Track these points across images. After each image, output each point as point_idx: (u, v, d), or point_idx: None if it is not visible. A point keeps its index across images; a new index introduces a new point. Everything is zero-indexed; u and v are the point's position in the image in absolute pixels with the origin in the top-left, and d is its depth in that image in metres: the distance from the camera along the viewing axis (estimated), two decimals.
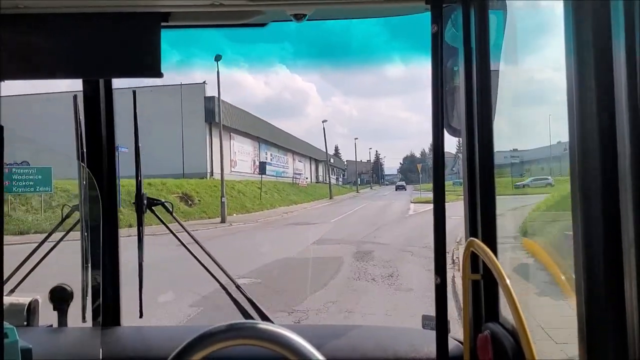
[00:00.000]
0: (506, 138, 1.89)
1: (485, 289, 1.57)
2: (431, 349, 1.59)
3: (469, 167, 1.63)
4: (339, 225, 22.29)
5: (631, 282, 0.87)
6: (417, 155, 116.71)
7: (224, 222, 23.75)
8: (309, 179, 59.24)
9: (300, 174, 55.30)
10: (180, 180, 28.51)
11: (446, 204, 1.49)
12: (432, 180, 1.54)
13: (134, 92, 2.15)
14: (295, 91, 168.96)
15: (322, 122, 68.33)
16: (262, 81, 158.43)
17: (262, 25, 1.85)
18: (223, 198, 24.95)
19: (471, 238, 1.48)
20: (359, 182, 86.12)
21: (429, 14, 1.48)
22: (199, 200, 27.13)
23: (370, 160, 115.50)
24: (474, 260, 1.54)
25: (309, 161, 64.71)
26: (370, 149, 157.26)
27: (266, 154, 45.74)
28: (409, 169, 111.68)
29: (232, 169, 35.39)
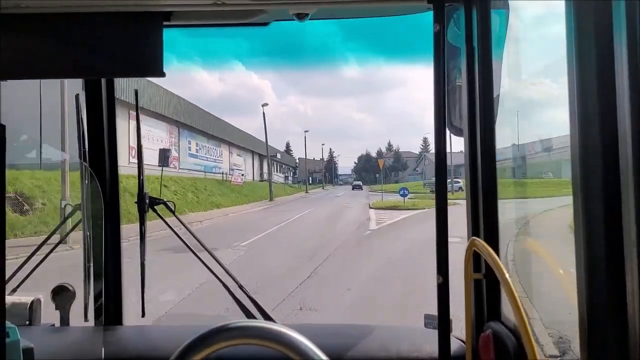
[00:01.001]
0: (508, 137, 1.91)
1: (487, 288, 1.58)
2: (433, 347, 1.58)
3: (471, 166, 1.63)
4: (249, 258, 12.07)
5: (633, 282, 0.87)
6: (373, 154, 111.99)
7: (65, 243, 6.83)
8: (246, 176, 47.89)
9: (236, 170, 44.56)
10: (16, 172, 16.79)
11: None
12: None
13: (136, 92, 2.16)
14: (251, 89, 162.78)
15: (262, 105, 51.73)
16: (216, 77, 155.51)
17: (265, 24, 1.85)
18: (64, 201, 14.53)
19: (473, 237, 1.48)
20: (309, 182, 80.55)
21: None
22: (43, 204, 16.82)
23: (323, 158, 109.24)
24: (476, 260, 1.55)
25: (251, 156, 53.96)
26: (323, 144, 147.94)
27: (189, 143, 35.57)
28: (364, 168, 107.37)
29: (132, 159, 22.26)
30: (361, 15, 1.92)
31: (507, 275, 1.20)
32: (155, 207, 2.13)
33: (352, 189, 71.09)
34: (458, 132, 1.75)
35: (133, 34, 1.68)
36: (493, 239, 1.55)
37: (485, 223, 1.59)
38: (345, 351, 1.72)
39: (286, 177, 78.69)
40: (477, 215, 1.62)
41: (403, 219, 22.42)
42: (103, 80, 2.15)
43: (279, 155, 68.97)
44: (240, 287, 2.06)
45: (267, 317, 1.97)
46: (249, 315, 1.97)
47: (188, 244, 2.12)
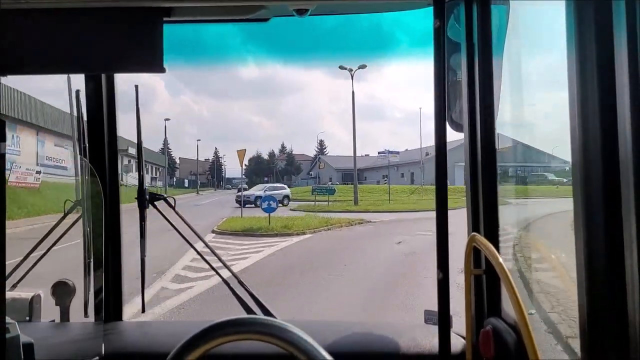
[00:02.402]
0: (508, 133, 1.91)
1: (487, 284, 1.58)
2: (434, 343, 1.60)
3: (471, 162, 1.63)
4: None
5: (633, 282, 0.87)
6: (265, 156, 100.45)
7: None
8: (41, 175, 27.34)
9: (46, 166, 28.94)
10: None
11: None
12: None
13: (136, 87, 2.15)
14: (140, 84, 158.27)
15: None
16: None
17: (265, 20, 1.85)
18: None
19: (473, 233, 1.48)
20: (186, 185, 73.81)
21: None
22: None
23: (206, 158, 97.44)
24: (476, 256, 1.55)
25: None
26: (199, 140, 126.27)
27: None
28: (254, 171, 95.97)
29: None
30: (361, 11, 1.91)
31: (507, 271, 1.20)
32: (155, 202, 2.13)
33: (238, 192, 69.57)
34: (458, 127, 1.75)
35: (133, 29, 1.67)
36: (493, 235, 1.56)
37: (485, 219, 1.59)
38: (345, 347, 1.72)
39: (153, 179, 62.17)
40: (477, 211, 1.62)
41: (245, 270, 10.73)
42: (103, 76, 2.15)
43: (131, 150, 54.47)
44: (241, 282, 2.07)
45: (267, 312, 1.96)
46: (249, 311, 1.97)
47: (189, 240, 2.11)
